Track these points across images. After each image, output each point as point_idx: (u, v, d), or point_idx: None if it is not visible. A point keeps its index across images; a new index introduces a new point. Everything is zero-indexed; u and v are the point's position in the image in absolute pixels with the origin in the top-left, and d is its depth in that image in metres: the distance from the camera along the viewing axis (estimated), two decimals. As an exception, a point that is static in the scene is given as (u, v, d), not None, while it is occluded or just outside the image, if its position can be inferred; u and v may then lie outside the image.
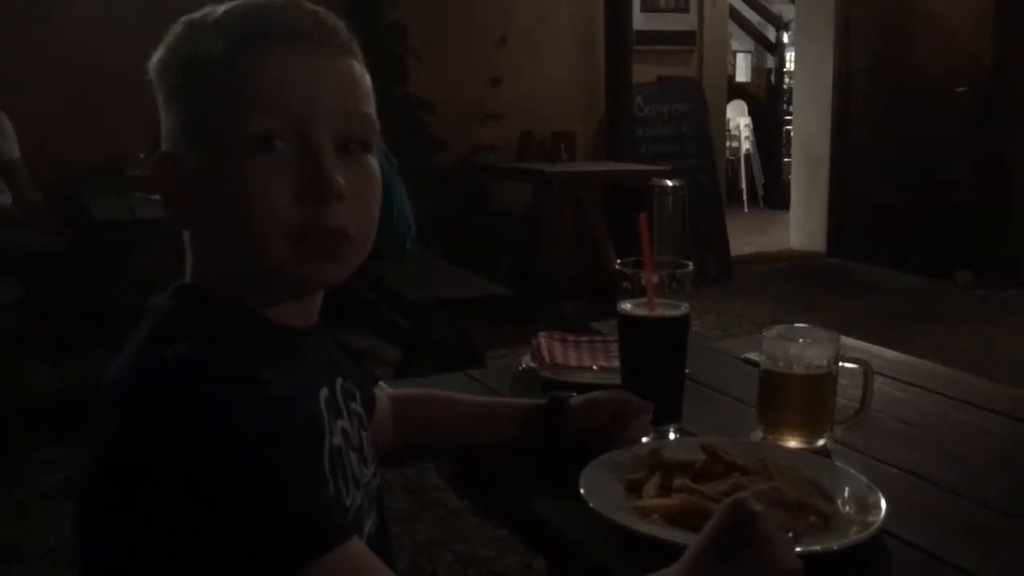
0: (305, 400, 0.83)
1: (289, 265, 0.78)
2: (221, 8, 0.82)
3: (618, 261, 1.18)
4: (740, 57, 10.09)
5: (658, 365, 1.19)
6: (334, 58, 0.81)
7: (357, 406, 0.94)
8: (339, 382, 0.92)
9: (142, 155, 4.04)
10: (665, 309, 1.17)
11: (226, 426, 0.69)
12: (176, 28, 0.83)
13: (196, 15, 0.83)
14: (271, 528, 0.67)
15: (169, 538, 0.67)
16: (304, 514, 0.69)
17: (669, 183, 5.25)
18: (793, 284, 6.10)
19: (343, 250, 0.80)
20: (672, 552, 0.80)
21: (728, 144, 8.37)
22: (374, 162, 0.84)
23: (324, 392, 0.87)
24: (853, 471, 1.01)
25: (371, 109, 0.84)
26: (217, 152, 0.78)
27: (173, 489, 0.67)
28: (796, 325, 1.19)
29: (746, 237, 7.14)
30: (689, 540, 0.84)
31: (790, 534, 0.81)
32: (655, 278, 1.16)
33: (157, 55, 0.83)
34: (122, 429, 0.71)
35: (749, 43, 10.07)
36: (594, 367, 1.41)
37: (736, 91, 9.15)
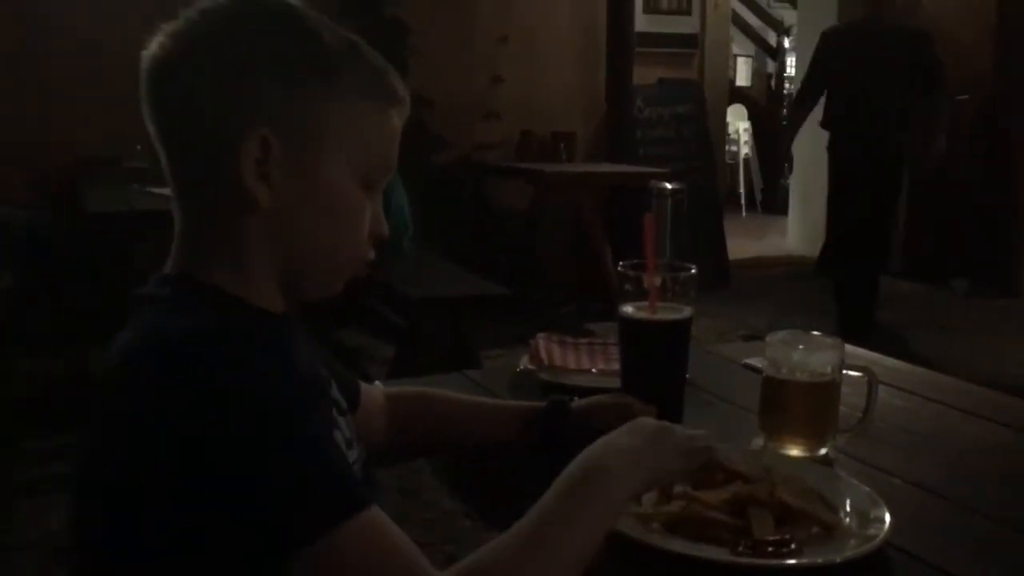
0: (316, 372, 0.88)
1: (338, 285, 0.88)
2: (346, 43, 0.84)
3: (620, 263, 1.17)
4: (741, 61, 10.06)
5: (659, 369, 1.17)
6: None
7: (335, 392, 0.96)
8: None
9: (139, 147, 4.02)
10: (667, 312, 1.15)
11: (255, 391, 0.70)
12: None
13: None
14: (303, 490, 0.68)
15: (196, 505, 0.68)
16: (333, 478, 0.70)
17: (668, 186, 5.23)
18: (791, 289, 6.08)
19: None
20: (672, 560, 0.78)
21: (727, 148, 8.36)
22: None
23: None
24: (856, 482, 1.00)
25: None
26: (334, 174, 0.83)
27: (201, 454, 0.68)
28: (800, 331, 1.17)
29: (744, 241, 7.13)
30: (689, 548, 0.83)
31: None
32: (658, 280, 1.14)
33: (255, 30, 0.81)
34: (147, 402, 0.71)
35: (750, 47, 10.05)
36: (593, 370, 1.39)
37: (736, 95, 9.14)
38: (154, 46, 0.81)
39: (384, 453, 1.12)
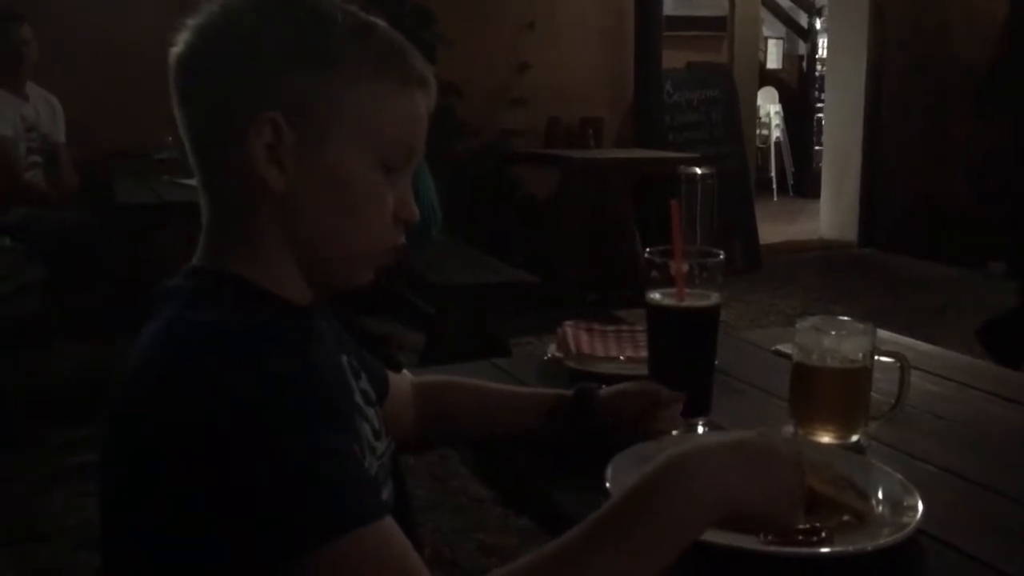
0: (336, 372, 0.87)
1: (367, 273, 0.86)
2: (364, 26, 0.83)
3: (647, 250, 1.16)
4: (771, 43, 9.95)
5: (687, 356, 1.16)
6: None
7: (364, 383, 0.95)
8: (344, 358, 0.93)
9: (170, 138, 4.06)
10: (695, 299, 1.14)
11: (260, 396, 0.69)
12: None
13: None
14: (295, 501, 0.67)
15: (200, 507, 0.67)
16: (332, 490, 0.69)
17: (697, 171, 5.16)
18: (823, 274, 6.03)
19: None
20: (698, 548, 0.77)
21: (758, 132, 8.28)
22: None
23: (344, 359, 0.91)
24: (888, 469, 0.98)
25: None
26: (348, 158, 0.82)
27: (210, 456, 0.67)
28: (830, 317, 1.16)
29: (775, 226, 7.07)
30: (716, 536, 0.82)
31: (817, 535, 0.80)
32: (685, 267, 1.13)
33: (265, 19, 0.81)
34: (161, 399, 0.71)
35: (780, 29, 9.93)
36: (621, 357, 1.39)
37: (767, 78, 9.05)
38: (179, 42, 0.83)
39: (412, 442, 1.12)
